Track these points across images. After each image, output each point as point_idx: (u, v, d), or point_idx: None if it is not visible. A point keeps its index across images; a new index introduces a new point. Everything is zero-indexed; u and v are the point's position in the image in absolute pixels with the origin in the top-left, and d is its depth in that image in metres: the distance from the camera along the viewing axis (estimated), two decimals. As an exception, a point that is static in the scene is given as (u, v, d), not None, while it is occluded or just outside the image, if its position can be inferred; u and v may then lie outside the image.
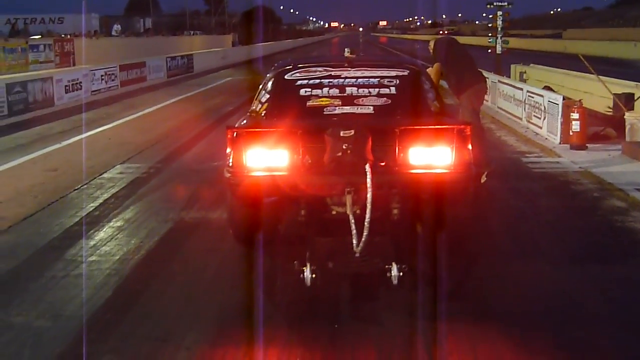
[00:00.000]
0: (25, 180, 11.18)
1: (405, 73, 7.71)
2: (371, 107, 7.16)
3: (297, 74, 7.60)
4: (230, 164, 6.66)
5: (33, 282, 6.71)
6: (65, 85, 22.27)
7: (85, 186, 10.67)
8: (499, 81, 19.58)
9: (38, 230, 8.47)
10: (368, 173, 6.16)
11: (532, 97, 15.73)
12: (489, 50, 26.24)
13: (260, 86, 8.14)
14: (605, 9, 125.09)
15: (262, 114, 7.40)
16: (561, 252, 7.48)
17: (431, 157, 6.45)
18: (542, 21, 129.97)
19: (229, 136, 6.64)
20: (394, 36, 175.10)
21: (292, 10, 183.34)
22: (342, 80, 7.50)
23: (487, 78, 20.58)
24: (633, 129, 13.56)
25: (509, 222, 8.63)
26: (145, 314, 6.00)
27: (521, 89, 16.91)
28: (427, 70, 9.65)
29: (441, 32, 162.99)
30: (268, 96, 7.61)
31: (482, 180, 9.48)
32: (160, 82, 31.57)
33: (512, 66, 25.05)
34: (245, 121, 7.48)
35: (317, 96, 7.32)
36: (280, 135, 6.49)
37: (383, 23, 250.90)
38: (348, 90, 7.36)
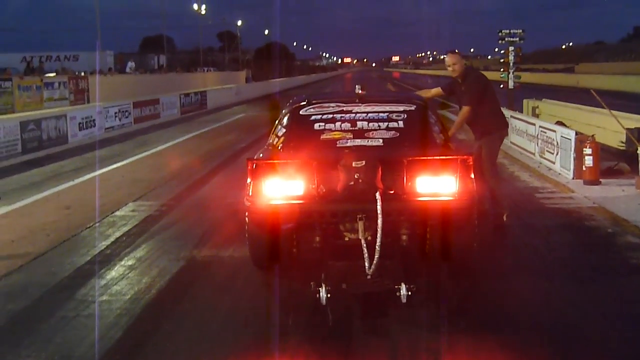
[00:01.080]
0: (38, 218, 11.20)
1: (412, 108, 8.21)
2: (381, 140, 7.62)
3: (312, 110, 8.14)
4: (250, 194, 7.13)
5: (44, 323, 6.68)
6: (79, 123, 22.43)
7: (98, 224, 10.68)
8: (512, 116, 19.52)
9: (49, 269, 8.45)
10: (378, 200, 6.64)
11: (545, 132, 15.70)
12: (501, 86, 26.24)
13: (277, 121, 8.72)
14: (617, 43, 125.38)
15: (279, 147, 7.84)
16: (575, 289, 7.39)
17: (437, 185, 6.95)
18: (554, 55, 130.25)
19: (249, 167, 7.10)
20: (406, 71, 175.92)
21: (305, 47, 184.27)
22: (354, 115, 8.01)
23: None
24: (647, 163, 13.46)
25: (521, 258, 8.57)
26: (157, 356, 5.98)
27: (534, 124, 16.88)
28: (419, 92, 9.91)
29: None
30: (284, 130, 8.13)
31: (504, 219, 9.94)
32: (174, 119, 31.77)
33: (525, 101, 25.05)
34: (263, 154, 7.91)
35: (330, 130, 7.82)
36: (296, 166, 6.98)
37: (396, 58, 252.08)
38: (359, 124, 7.87)
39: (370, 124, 7.88)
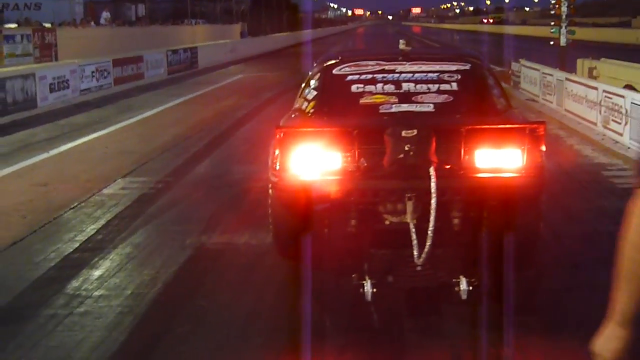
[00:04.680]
0: (10, 197, 11.09)
1: (467, 67, 7.96)
2: (431, 105, 7.38)
3: (347, 69, 7.85)
4: (277, 167, 6.84)
5: (29, 323, 6.57)
6: (50, 84, 22.23)
7: (83, 204, 10.57)
8: (567, 79, 19.36)
9: (31, 259, 8.33)
10: (432, 177, 6.39)
11: (611, 98, 15.50)
12: (552, 43, 26.06)
13: (305, 82, 8.43)
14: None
15: (310, 113, 7.63)
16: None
17: (500, 159, 6.67)
18: (606, 7, 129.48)
19: (277, 136, 6.76)
20: (429, 25, 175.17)
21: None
22: (397, 75, 7.74)
23: (552, 75, 20.56)
24: None
25: (595, 247, 8.46)
26: (171, 363, 5.89)
27: (596, 89, 16.66)
28: None
29: (485, 20, 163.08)
30: (315, 93, 7.89)
31: None
32: (160, 80, 31.58)
33: (579, 61, 24.77)
34: (291, 121, 7.68)
35: (370, 92, 7.55)
36: (333, 135, 6.71)
37: (416, 10, 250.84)
38: (405, 86, 7.61)
39: (418, 86, 7.64)
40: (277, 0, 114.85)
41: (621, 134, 14.63)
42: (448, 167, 6.67)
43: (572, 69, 23.73)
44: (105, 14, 45.99)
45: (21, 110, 20.19)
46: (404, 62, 7.96)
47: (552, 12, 25.69)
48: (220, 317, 6.65)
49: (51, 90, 22.21)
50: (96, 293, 7.22)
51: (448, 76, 7.77)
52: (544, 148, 6.87)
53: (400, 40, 8.60)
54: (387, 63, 7.98)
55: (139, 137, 16.73)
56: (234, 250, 8.48)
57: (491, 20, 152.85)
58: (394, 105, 7.42)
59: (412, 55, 8.24)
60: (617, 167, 12.80)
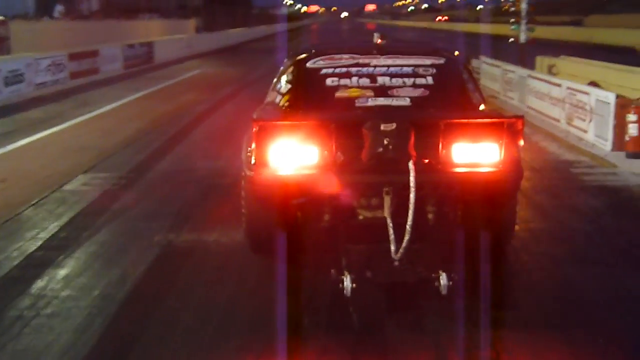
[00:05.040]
0: (-33, 194, 10.73)
1: (442, 61, 7.91)
2: (408, 99, 7.31)
3: (321, 62, 7.78)
4: (253, 162, 6.71)
5: (-5, 324, 6.29)
6: (5, 77, 21.71)
7: (44, 201, 10.24)
8: (530, 76, 19.33)
9: (-8, 257, 8.02)
10: (411, 171, 6.34)
11: (575, 95, 15.47)
12: (511, 40, 26.06)
13: (277, 76, 8.33)
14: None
15: (284, 106, 7.51)
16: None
17: (478, 153, 6.61)
18: (558, 6, 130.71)
19: (253, 129, 6.59)
20: (384, 22, 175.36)
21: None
22: (372, 69, 7.69)
23: (514, 72, 20.51)
24: (700, 133, 13.33)
25: (571, 245, 8.40)
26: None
27: (559, 85, 16.62)
28: None
29: (439, 18, 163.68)
30: (289, 86, 7.77)
31: None
32: (116, 75, 31.07)
33: (538, 58, 24.79)
34: (265, 114, 7.50)
35: (345, 86, 7.47)
36: (311, 128, 6.56)
37: (371, 7, 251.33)
38: (380, 80, 7.54)
39: (394, 80, 7.56)
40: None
41: (586, 131, 14.60)
42: (427, 161, 6.60)
43: (530, 66, 23.73)
44: (59, 7, 45.16)
45: (-26, 104, 19.71)
46: (379, 56, 7.89)
47: (512, 9, 25.70)
48: (194, 319, 6.40)
49: (6, 84, 21.70)
50: (63, 293, 6.94)
51: (423, 70, 7.72)
52: (522, 142, 6.86)
53: (375, 34, 8.55)
54: (361, 56, 7.89)
55: (98, 132, 16.34)
56: (203, 248, 8.24)
57: (445, 18, 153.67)
58: (370, 99, 7.33)
59: (386, 49, 8.15)
60: (585, 164, 12.74)
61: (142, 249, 8.21)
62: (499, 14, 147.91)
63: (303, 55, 8.05)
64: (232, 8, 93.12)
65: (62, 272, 7.50)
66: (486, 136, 6.63)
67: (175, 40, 46.19)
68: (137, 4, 79.86)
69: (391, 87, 7.47)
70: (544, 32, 70.82)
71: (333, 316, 6.46)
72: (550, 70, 23.13)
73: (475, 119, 7.05)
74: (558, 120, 16.33)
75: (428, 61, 7.86)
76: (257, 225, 7.41)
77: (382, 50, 8.04)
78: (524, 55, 24.70)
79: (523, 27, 24.82)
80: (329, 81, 7.57)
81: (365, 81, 7.56)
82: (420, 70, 7.70)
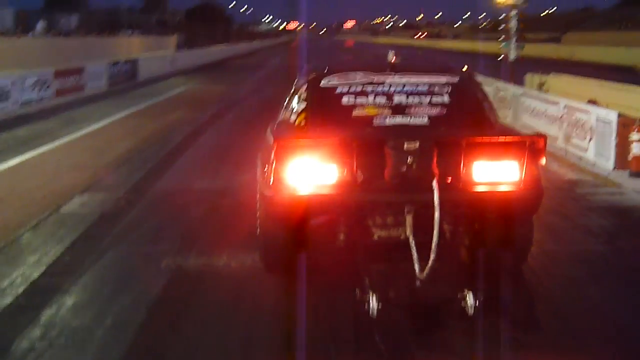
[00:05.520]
0: (-39, 216, 10.41)
1: (456, 79, 7.91)
2: (426, 117, 7.31)
3: (335, 81, 7.73)
4: (272, 182, 6.63)
5: (5, 357, 6.00)
6: (-9, 95, 21.40)
7: (42, 223, 9.94)
8: (524, 94, 19.23)
9: (-5, 284, 7.72)
10: (435, 190, 6.30)
11: (573, 114, 15.34)
12: (500, 58, 25.98)
13: (290, 94, 8.37)
14: (610, 9, 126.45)
15: (300, 125, 7.42)
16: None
17: (499, 172, 6.63)
18: (536, 24, 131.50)
19: (275, 149, 6.50)
20: (363, 39, 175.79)
21: (243, 9, 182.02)
22: (388, 87, 7.66)
23: (507, 90, 20.39)
24: None
25: (589, 270, 8.21)
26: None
27: (557, 103, 16.51)
28: None
29: (417, 35, 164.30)
30: (304, 105, 7.66)
31: None
32: (102, 92, 30.71)
33: (528, 76, 24.77)
34: (283, 132, 7.43)
35: (362, 105, 7.44)
36: (333, 147, 6.51)
37: (350, 24, 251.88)
38: (396, 98, 7.52)
39: (410, 98, 7.54)
40: (211, 13, 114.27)
41: (586, 150, 14.48)
42: (449, 180, 6.57)
43: (519, 83, 23.63)
44: (42, 23, 44.84)
45: (-39, 122, 19.34)
46: (393, 74, 7.86)
47: (501, 26, 25.64)
48: (212, 348, 6.16)
49: (-9, 102, 21.36)
50: (74, 323, 6.66)
51: (439, 88, 7.70)
52: (543, 161, 6.81)
53: (390, 51, 8.50)
54: (376, 74, 7.85)
55: (90, 151, 16.04)
56: (214, 272, 8.00)
57: (424, 34, 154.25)
58: (388, 118, 7.30)
59: (400, 66, 8.10)
60: (589, 183, 12.62)
61: (151, 274, 7.95)
62: (477, 31, 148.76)
63: (316, 74, 7.96)
64: (212, 25, 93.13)
65: (70, 300, 7.22)
66: (507, 155, 6.62)
67: (159, 58, 45.92)
68: (117, 20, 79.95)
69: (408, 106, 7.44)
70: (526, 49, 71.34)
71: (358, 338, 6.28)
72: (540, 88, 23.06)
73: (497, 137, 6.98)
74: (555, 139, 16.17)
75: (443, 79, 7.85)
76: (276, 246, 7.25)
77: (396, 68, 8.00)
78: (513, 72, 24.57)
79: (513, 44, 24.67)
80: (344, 99, 7.51)
81: (381, 99, 7.52)
82: (436, 89, 7.67)
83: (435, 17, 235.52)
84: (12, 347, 6.17)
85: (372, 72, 7.88)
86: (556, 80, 23.24)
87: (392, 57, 8.28)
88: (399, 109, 7.37)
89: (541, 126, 17.29)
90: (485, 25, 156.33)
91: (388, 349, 6.10)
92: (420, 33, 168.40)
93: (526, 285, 7.52)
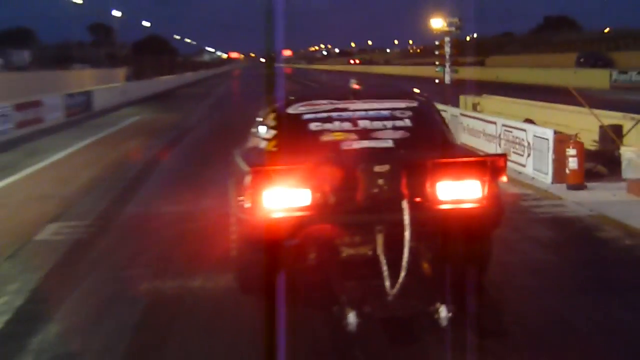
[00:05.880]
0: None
1: (415, 104, 7.89)
2: (390, 141, 7.26)
3: (302, 108, 7.69)
4: (248, 205, 6.58)
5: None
6: (-47, 129, 20.85)
7: (18, 253, 9.68)
8: (462, 114, 19.37)
9: (-20, 313, 7.45)
10: (405, 210, 6.27)
11: (511, 132, 15.49)
12: (437, 81, 26.18)
13: (258, 122, 8.31)
14: (528, 34, 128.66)
15: (272, 151, 7.38)
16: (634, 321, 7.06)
17: (463, 191, 6.62)
18: (462, 48, 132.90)
19: (251, 175, 6.50)
20: (300, 67, 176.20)
21: (188, 40, 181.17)
22: (351, 113, 7.61)
23: (445, 111, 20.53)
24: (631, 164, 13.36)
25: (543, 279, 8.23)
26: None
27: (494, 123, 16.66)
28: None
29: (352, 61, 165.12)
30: (274, 131, 7.62)
31: None
32: (60, 123, 30.16)
33: (462, 97, 24.98)
34: (255, 159, 7.37)
35: (329, 130, 7.39)
36: (305, 172, 6.49)
37: (287, 53, 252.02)
38: (361, 123, 7.47)
39: (374, 123, 7.50)
40: (157, 45, 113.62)
41: (524, 165, 14.60)
42: (418, 199, 6.55)
43: (453, 104, 23.79)
44: (-1, 60, 44.12)
45: None
46: (355, 101, 7.82)
47: (435, 51, 25.80)
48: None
49: (-46, 136, 20.81)
50: (62, 350, 6.47)
51: (400, 113, 7.68)
52: (505, 179, 6.84)
53: (351, 80, 8.39)
54: (339, 102, 7.81)
55: (54, 181, 15.68)
56: (192, 294, 7.83)
57: (358, 61, 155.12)
58: (354, 142, 7.23)
59: (361, 93, 8.07)
60: (531, 197, 12.70)
61: (131, 299, 7.76)
62: (407, 56, 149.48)
63: (283, 102, 7.93)
64: (158, 56, 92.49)
65: (55, 327, 7.01)
66: (470, 174, 6.65)
67: (111, 89, 45.37)
68: (68, 54, 78.96)
69: (373, 130, 7.40)
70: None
71: (339, 353, 6.24)
72: (475, 108, 23.27)
73: (460, 158, 7.05)
74: (494, 156, 16.26)
75: (403, 104, 7.84)
76: (250, 267, 7.11)
77: (358, 95, 7.97)
78: (448, 94, 24.76)
79: (447, 69, 24.89)
80: (312, 126, 7.47)
81: (347, 125, 7.47)
82: (397, 113, 7.65)
83: (369, 44, 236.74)
84: (5, 375, 5.99)
85: (335, 99, 7.86)
86: (488, 101, 23.51)
87: (353, 85, 8.22)
88: (365, 134, 7.32)
89: (480, 144, 17.41)
90: (415, 51, 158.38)
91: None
92: (354, 60, 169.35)
93: (489, 296, 7.48)
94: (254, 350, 6.35)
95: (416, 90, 8.94)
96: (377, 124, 7.45)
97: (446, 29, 24.55)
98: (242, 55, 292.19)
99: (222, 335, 6.71)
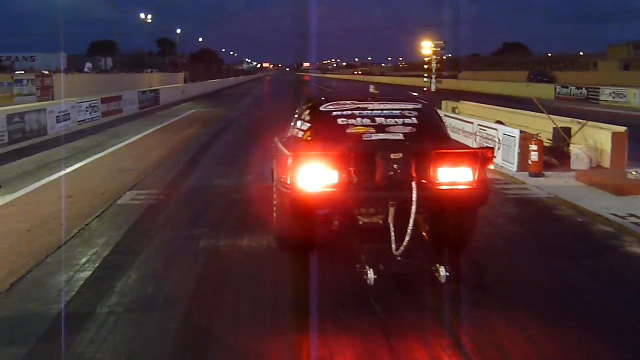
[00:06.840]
0: (45, 207, 9.85)
1: (420, 106, 7.73)
2: (401, 134, 7.12)
3: (331, 107, 7.52)
4: (289, 182, 6.51)
5: (92, 319, 5.53)
6: (57, 116, 20.59)
7: (105, 213, 9.43)
8: (446, 115, 18.97)
9: (74, 261, 7.18)
10: (414, 189, 6.19)
11: (485, 130, 15.13)
12: (425, 89, 25.78)
13: (295, 117, 8.14)
14: (491, 55, 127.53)
15: (308, 139, 7.28)
16: (586, 280, 6.77)
17: (459, 175, 6.51)
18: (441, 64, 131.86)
19: (292, 158, 6.41)
20: (316, 75, 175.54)
21: (231, 52, 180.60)
22: (370, 111, 7.45)
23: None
24: (578, 158, 13.20)
25: (516, 246, 7.95)
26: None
27: (471, 123, 16.28)
28: None
29: (355, 72, 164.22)
30: (309, 124, 7.50)
31: None
32: (134, 113, 29.91)
33: (444, 102, 24.49)
34: (294, 145, 7.21)
35: (353, 125, 7.22)
36: (334, 157, 6.39)
37: (307, 64, 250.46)
38: (377, 120, 7.32)
39: (388, 120, 7.31)
40: (208, 55, 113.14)
41: (495, 157, 14.20)
42: (423, 181, 6.43)
43: (438, 108, 23.36)
44: (89, 64, 44.02)
45: (35, 136, 18.56)
46: (373, 102, 7.65)
47: (425, 66, 25.36)
48: (248, 310, 5.76)
49: (57, 121, 20.54)
50: (143, 290, 6.24)
51: (408, 112, 7.50)
52: (492, 167, 6.83)
53: (371, 86, 8.15)
54: (360, 102, 7.63)
55: (132, 158, 15.43)
56: (240, 252, 7.54)
57: (360, 72, 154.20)
58: (373, 134, 7.06)
59: (378, 96, 7.91)
60: (501, 181, 12.33)
61: (193, 253, 7.50)
62: (398, 70, 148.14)
63: (315, 101, 7.76)
64: (208, 64, 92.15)
65: (134, 274, 6.78)
66: (464, 162, 6.53)
67: (173, 88, 45.05)
68: (141, 61, 78.69)
69: (387, 125, 7.22)
70: (429, 84, 71.45)
71: (359, 302, 5.95)
72: (454, 111, 22.81)
73: (457, 149, 7.01)
74: (470, 148, 15.89)
75: (410, 106, 7.67)
76: (290, 230, 6.95)
77: (375, 98, 7.81)
78: (433, 100, 24.30)
79: (433, 79, 24.47)
80: (339, 121, 7.28)
81: (366, 121, 7.29)
82: (406, 113, 7.49)
83: (369, 59, 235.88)
84: (97, 311, 5.74)
85: (357, 100, 7.66)
86: (465, 106, 23.01)
87: (372, 90, 7.97)
88: (381, 128, 7.14)
89: (460, 139, 16.95)
90: (403, 66, 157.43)
91: (382, 309, 5.78)
92: (357, 71, 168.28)
93: (476, 260, 7.19)
94: (291, 297, 6.10)
95: (416, 95, 8.68)
96: (390, 121, 7.27)
97: (434, 49, 24.09)
98: (271, 65, 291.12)
99: (265, 285, 6.44)
